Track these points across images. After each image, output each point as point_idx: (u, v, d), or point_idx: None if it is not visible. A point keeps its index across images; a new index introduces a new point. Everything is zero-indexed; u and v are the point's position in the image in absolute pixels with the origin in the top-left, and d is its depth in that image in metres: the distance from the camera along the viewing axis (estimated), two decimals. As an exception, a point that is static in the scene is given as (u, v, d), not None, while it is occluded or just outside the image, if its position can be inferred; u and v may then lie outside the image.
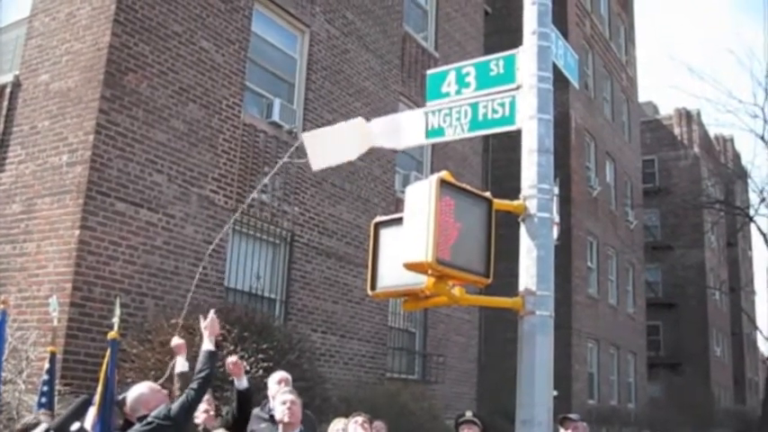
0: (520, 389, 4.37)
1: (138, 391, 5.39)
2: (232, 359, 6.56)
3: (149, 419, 5.01)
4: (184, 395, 5.22)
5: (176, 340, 6.59)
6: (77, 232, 9.98)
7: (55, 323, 8.21)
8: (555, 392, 4.53)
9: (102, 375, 6.45)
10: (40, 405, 7.32)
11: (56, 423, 5.19)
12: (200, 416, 6.36)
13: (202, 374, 5.32)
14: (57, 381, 8.07)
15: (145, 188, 10.90)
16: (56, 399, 7.77)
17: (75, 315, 9.75)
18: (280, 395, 6.33)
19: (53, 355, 7.67)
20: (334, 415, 9.45)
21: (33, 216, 10.60)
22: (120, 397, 5.46)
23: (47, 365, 7.60)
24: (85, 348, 9.75)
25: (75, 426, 5.26)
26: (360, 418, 6.34)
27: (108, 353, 6.58)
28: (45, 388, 7.43)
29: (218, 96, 12.33)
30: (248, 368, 8.84)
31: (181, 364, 6.20)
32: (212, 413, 6.76)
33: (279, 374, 7.42)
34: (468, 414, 7.22)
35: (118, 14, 10.74)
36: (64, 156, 10.52)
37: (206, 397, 6.62)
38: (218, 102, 12.30)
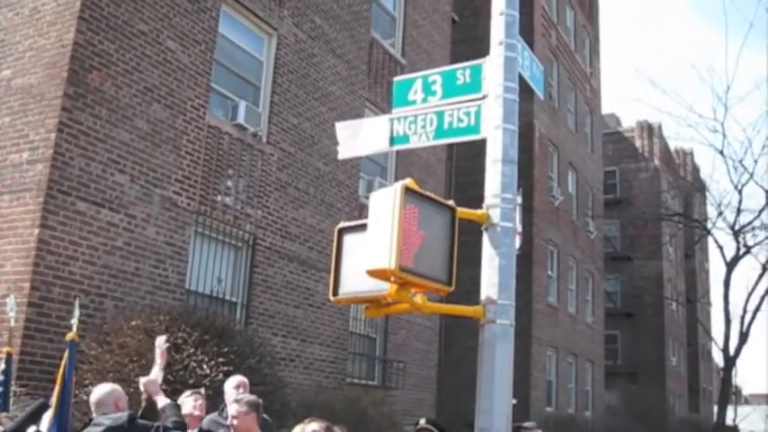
0: (479, 396, 4.39)
1: (98, 392, 5.35)
2: (147, 379, 6.22)
3: (98, 422, 4.98)
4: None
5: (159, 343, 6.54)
6: (37, 231, 9.85)
7: (12, 323, 8.12)
8: (514, 401, 4.57)
9: (59, 377, 6.36)
10: (-5, 406, 7.23)
11: (11, 426, 5.13)
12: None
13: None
14: (12, 382, 7.97)
15: (107, 188, 10.80)
16: (11, 400, 7.67)
17: (33, 315, 9.63)
18: (231, 406, 6.33)
19: (9, 355, 7.59)
20: (293, 420, 9.43)
21: (-8, 214, 10.45)
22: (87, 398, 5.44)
23: (2, 366, 7.52)
24: (42, 349, 9.63)
25: (32, 429, 5.20)
26: (315, 425, 6.20)
27: (66, 354, 6.50)
28: (0, 389, 7.34)
29: (183, 97, 12.25)
30: (208, 371, 8.80)
31: (154, 373, 6.09)
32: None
33: (236, 379, 7.38)
34: (422, 422, 7.20)
35: (83, 11, 10.64)
36: (25, 153, 10.39)
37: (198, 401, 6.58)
38: (182, 102, 12.22)
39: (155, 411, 5.61)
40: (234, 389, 7.14)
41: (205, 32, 12.83)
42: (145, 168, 11.44)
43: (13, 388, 8.00)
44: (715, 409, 39.71)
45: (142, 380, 6.03)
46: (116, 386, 5.54)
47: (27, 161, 10.31)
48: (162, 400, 5.63)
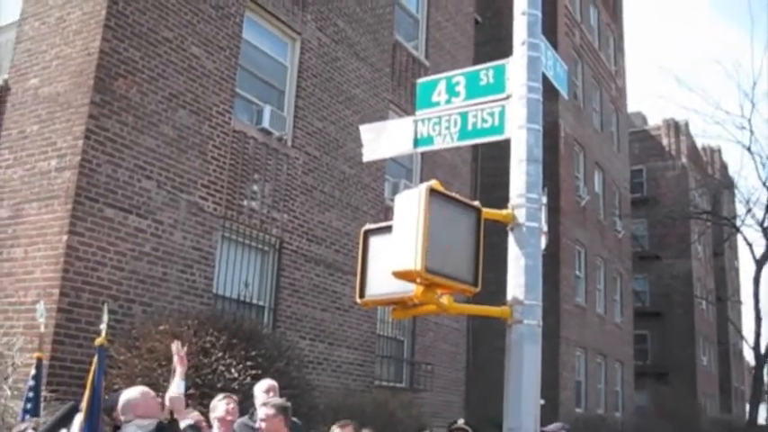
0: (507, 397, 4.38)
1: (128, 394, 5.37)
2: (173, 395, 5.96)
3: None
4: None
5: (177, 350, 6.25)
6: (65, 237, 9.94)
7: (42, 329, 8.19)
8: (542, 401, 4.55)
9: (89, 382, 6.42)
10: (26, 411, 7.30)
11: (42, 430, 5.17)
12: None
13: None
14: (43, 387, 8.04)
15: (134, 194, 10.88)
16: (41, 405, 7.74)
17: (63, 321, 9.71)
18: (260, 409, 6.35)
19: (39, 361, 7.65)
20: (322, 423, 9.47)
21: (21, 221, 10.56)
22: (112, 403, 5.44)
23: (33, 371, 7.58)
24: (72, 354, 9.71)
25: (62, 432, 5.25)
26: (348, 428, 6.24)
27: (95, 359, 6.55)
28: (31, 394, 7.41)
29: (209, 103, 12.32)
30: (237, 375, 8.84)
31: (176, 385, 6.02)
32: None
33: (266, 383, 7.40)
34: (461, 422, 7.22)
35: (108, 20, 10.73)
36: (53, 161, 10.49)
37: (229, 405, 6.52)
38: (208, 108, 12.29)
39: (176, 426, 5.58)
40: (264, 392, 7.16)
41: (229, 38, 12.89)
42: (171, 174, 11.51)
43: (43, 393, 8.06)
44: (747, 408, 39.29)
45: (168, 395, 5.98)
46: (136, 393, 5.50)
47: (55, 168, 10.41)
48: (185, 421, 5.62)
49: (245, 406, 7.49)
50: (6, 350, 9.08)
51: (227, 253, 12.66)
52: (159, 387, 8.19)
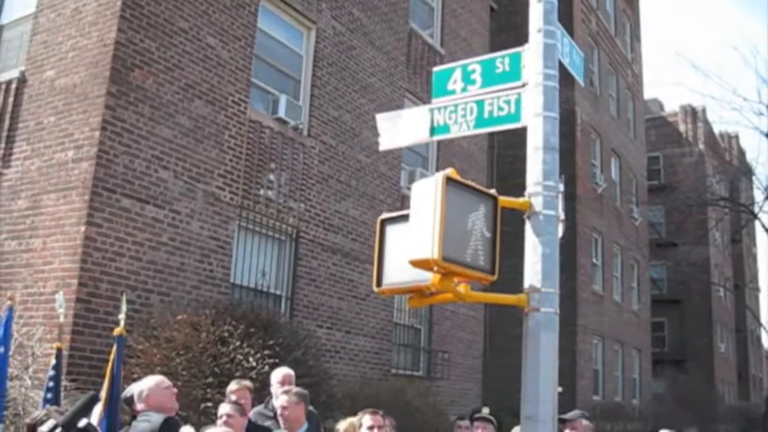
0: (524, 385, 4.38)
1: (141, 384, 5.39)
2: None
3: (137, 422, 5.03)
4: None
5: None
6: (83, 228, 10.00)
7: (61, 319, 8.25)
8: (559, 389, 4.54)
9: (108, 372, 6.47)
10: (46, 401, 7.36)
11: (63, 419, 5.20)
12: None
13: None
14: (62, 377, 8.11)
15: (151, 184, 10.93)
16: (62, 395, 7.80)
17: (81, 311, 9.78)
18: (280, 397, 6.36)
19: (59, 351, 7.70)
20: (339, 411, 9.51)
21: (39, 212, 10.63)
22: (128, 394, 5.45)
23: (53, 361, 7.64)
24: (91, 345, 9.78)
25: (83, 422, 5.27)
26: (369, 417, 6.23)
27: (114, 349, 6.60)
28: (51, 384, 7.47)
29: (224, 93, 12.34)
30: (254, 364, 8.88)
31: None
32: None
33: (281, 371, 7.42)
34: (485, 411, 7.21)
35: (124, 10, 10.76)
36: (70, 152, 10.55)
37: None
38: (224, 98, 12.32)
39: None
40: (278, 383, 7.18)
41: (244, 28, 12.90)
42: (188, 164, 11.55)
43: (63, 383, 8.13)
44: (766, 395, 39.14)
45: None
46: (150, 383, 5.45)
47: (72, 159, 10.47)
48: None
49: (262, 395, 7.53)
50: (26, 340, 9.15)
51: (244, 242, 12.71)
52: (177, 376, 8.27)
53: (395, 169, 16.64)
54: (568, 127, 26.36)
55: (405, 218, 4.26)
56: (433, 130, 5.12)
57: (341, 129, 15.01)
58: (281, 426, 6.36)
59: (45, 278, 10.19)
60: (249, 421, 6.47)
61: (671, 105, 51.12)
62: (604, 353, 29.14)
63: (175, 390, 5.58)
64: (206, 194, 11.82)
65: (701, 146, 45.57)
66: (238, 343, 9.14)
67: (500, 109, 4.87)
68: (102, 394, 6.31)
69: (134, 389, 5.42)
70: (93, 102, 10.54)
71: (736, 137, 52.50)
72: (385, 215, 4.56)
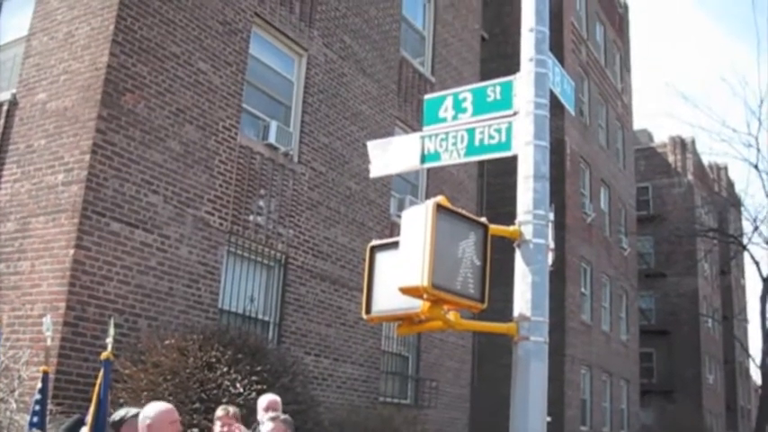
0: (513, 414, 4.36)
1: (147, 411, 5.23)
2: None
3: None
4: None
5: None
6: (72, 251, 9.96)
7: (48, 342, 8.18)
8: (548, 418, 4.53)
9: (94, 396, 6.41)
10: (32, 425, 7.29)
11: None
12: None
13: None
14: (49, 400, 8.03)
15: (140, 209, 10.90)
16: (47, 419, 7.73)
17: (69, 335, 9.72)
18: (266, 424, 6.31)
19: (46, 374, 7.64)
20: (326, 438, 9.43)
21: (28, 235, 10.59)
22: (116, 417, 5.39)
23: (39, 385, 7.56)
24: (78, 369, 9.71)
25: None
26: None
27: (101, 373, 6.54)
28: (37, 407, 7.40)
29: (215, 118, 12.36)
30: (242, 390, 8.83)
31: None
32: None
33: (267, 398, 7.38)
34: None
35: (116, 35, 10.78)
36: (60, 175, 10.53)
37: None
38: (214, 123, 12.33)
39: None
40: (264, 409, 7.14)
41: (236, 54, 12.94)
42: (178, 189, 11.53)
43: (49, 406, 8.06)
44: (753, 427, 39.07)
45: None
46: (154, 411, 5.34)
47: (62, 183, 10.44)
48: None
49: (249, 421, 7.48)
50: (13, 363, 9.08)
51: (232, 268, 12.66)
52: (164, 401, 8.18)
53: (384, 196, 16.65)
54: (558, 156, 26.47)
55: (395, 245, 4.27)
56: (423, 158, 5.14)
57: (331, 155, 15.03)
58: None
59: (33, 301, 10.13)
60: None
61: (660, 136, 51.36)
62: (592, 383, 29.07)
63: (180, 428, 5.41)
64: (195, 219, 11.79)
65: (690, 177, 45.81)
66: (226, 369, 9.09)
67: (491, 137, 4.89)
68: (89, 418, 6.25)
69: (129, 411, 5.35)
70: (84, 125, 10.54)
71: (725, 168, 52.82)
72: (375, 242, 4.56)
